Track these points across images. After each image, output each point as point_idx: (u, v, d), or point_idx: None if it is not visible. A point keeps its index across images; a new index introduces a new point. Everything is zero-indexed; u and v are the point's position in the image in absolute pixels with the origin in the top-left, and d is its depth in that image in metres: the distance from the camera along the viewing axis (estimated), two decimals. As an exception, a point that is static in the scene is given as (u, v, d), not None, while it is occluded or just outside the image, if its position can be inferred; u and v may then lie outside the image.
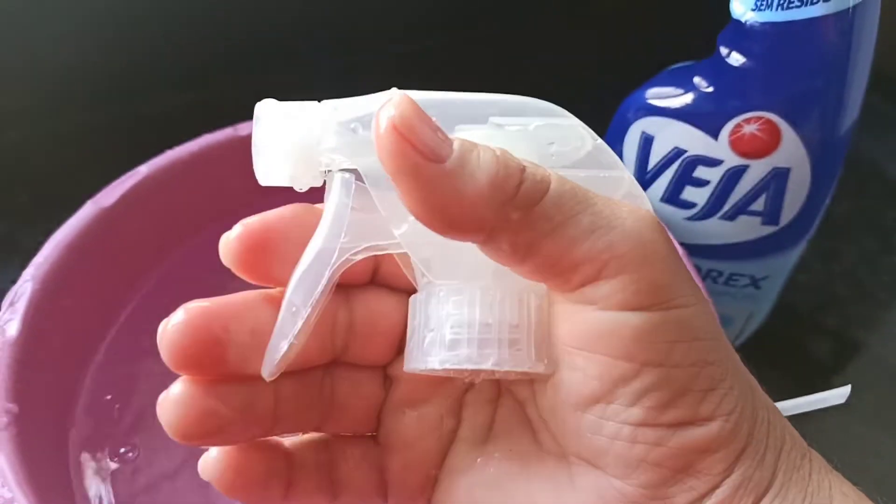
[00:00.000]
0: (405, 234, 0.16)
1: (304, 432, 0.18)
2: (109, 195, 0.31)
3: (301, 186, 0.17)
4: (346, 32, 0.59)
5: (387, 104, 0.14)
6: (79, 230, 0.30)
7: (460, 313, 0.16)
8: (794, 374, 0.41)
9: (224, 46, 0.54)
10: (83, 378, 0.30)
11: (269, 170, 0.17)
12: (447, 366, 0.16)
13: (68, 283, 0.29)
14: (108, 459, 0.29)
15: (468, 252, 0.15)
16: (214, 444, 0.17)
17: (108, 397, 0.30)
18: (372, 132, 0.14)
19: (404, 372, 0.17)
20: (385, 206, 0.16)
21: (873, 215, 0.52)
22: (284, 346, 0.16)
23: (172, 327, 0.15)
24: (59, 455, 0.27)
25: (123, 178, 0.32)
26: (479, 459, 0.17)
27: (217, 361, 0.15)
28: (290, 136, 0.16)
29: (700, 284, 0.31)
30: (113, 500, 0.27)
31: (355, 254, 0.16)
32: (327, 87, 0.54)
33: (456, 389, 0.18)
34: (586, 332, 0.15)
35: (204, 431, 0.16)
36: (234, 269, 0.17)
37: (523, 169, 0.14)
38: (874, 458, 0.38)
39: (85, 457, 0.28)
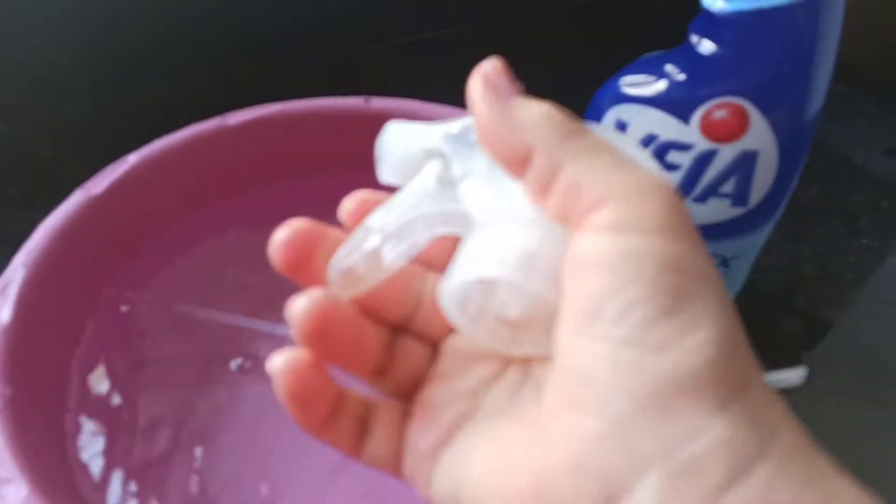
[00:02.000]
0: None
1: (357, 376, 0.20)
2: (99, 183, 0.32)
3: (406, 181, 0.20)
4: (340, 26, 0.59)
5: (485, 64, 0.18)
6: (69, 217, 0.30)
7: (512, 237, 0.18)
8: (763, 352, 0.42)
9: (215, 38, 0.54)
10: (73, 360, 0.31)
11: (392, 171, 0.20)
12: (492, 273, 0.17)
13: (59, 268, 0.30)
14: (104, 437, 0.29)
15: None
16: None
17: (99, 378, 0.31)
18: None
19: (451, 347, 0.20)
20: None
21: (840, 199, 0.53)
22: (347, 262, 0.18)
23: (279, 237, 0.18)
24: (54, 436, 0.28)
25: (113, 166, 0.32)
26: (486, 429, 0.18)
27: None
28: (410, 143, 0.20)
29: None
30: (110, 477, 0.28)
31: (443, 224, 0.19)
32: (321, 81, 0.55)
33: (489, 372, 0.19)
34: (586, 255, 0.15)
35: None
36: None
37: (571, 117, 0.17)
38: (845, 434, 0.39)
39: (80, 436, 0.29)
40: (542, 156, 0.16)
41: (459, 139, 0.19)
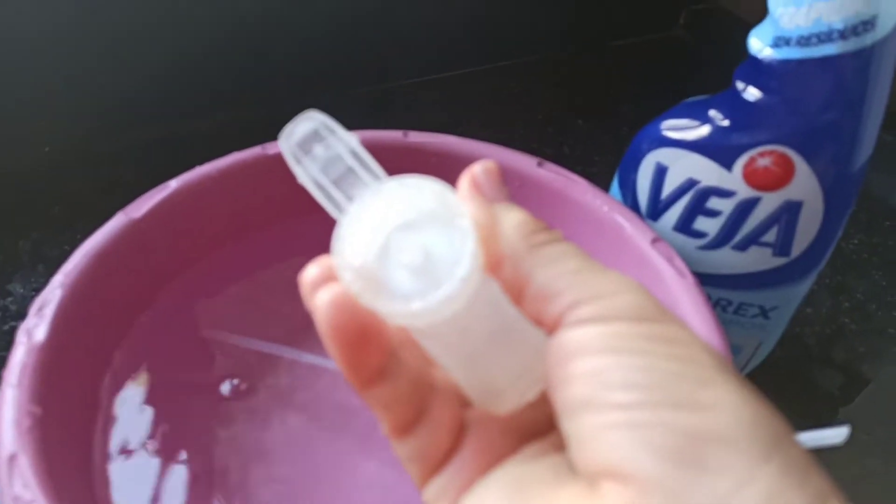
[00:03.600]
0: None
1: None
2: (139, 207, 0.32)
3: None
4: (378, 61, 0.60)
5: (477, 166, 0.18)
6: (108, 239, 0.31)
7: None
8: (801, 406, 0.42)
9: (258, 70, 0.55)
10: (104, 383, 0.31)
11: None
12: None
13: (96, 290, 0.30)
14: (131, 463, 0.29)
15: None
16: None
17: (130, 402, 0.31)
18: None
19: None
20: None
21: (884, 251, 0.52)
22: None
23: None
24: (81, 458, 0.28)
25: (154, 191, 0.33)
26: (521, 470, 0.17)
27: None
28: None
29: (710, 313, 0.31)
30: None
31: None
32: (357, 114, 0.55)
33: (536, 418, 0.18)
34: (571, 346, 0.15)
35: None
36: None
37: (545, 227, 0.17)
38: (886, 494, 0.38)
39: (108, 461, 0.29)
40: (509, 265, 0.17)
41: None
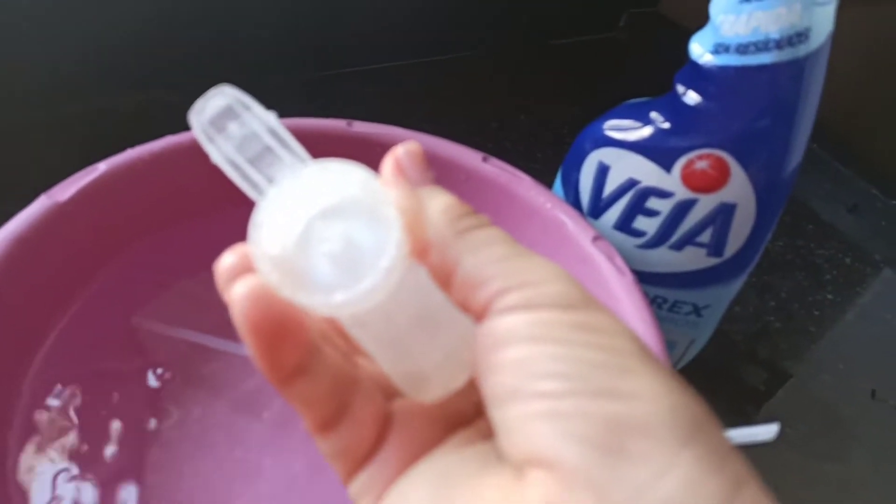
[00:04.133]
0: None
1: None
2: (65, 190, 0.30)
3: None
4: (320, 48, 0.59)
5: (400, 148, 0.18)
6: (31, 223, 0.29)
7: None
8: (728, 401, 0.43)
9: (194, 48, 0.53)
10: (24, 377, 0.29)
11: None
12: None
13: (17, 276, 0.28)
14: (49, 459, 0.28)
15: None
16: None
17: (54, 393, 0.30)
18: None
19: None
20: None
21: (806, 253, 0.55)
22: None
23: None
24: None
25: (81, 173, 0.31)
26: (448, 460, 0.17)
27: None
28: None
29: (648, 310, 0.32)
30: (51, 500, 0.27)
31: None
32: (297, 101, 0.54)
33: (464, 406, 0.18)
34: (497, 334, 0.15)
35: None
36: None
37: (472, 211, 0.17)
38: (806, 488, 0.39)
39: (24, 457, 0.27)
40: (436, 251, 0.16)
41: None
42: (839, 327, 0.49)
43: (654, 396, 0.14)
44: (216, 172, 0.17)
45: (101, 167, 0.32)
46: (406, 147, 0.18)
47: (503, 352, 0.15)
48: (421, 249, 0.17)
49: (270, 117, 0.16)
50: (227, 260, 0.16)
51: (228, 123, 0.16)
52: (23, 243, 0.28)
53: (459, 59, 0.66)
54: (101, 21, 0.48)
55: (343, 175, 0.16)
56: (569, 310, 0.15)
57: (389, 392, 0.18)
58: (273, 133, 0.16)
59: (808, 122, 0.32)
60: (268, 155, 0.16)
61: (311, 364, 0.16)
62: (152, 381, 0.32)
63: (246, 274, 0.16)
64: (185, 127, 0.34)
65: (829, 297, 0.51)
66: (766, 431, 0.22)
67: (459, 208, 0.17)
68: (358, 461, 0.17)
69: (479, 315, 0.16)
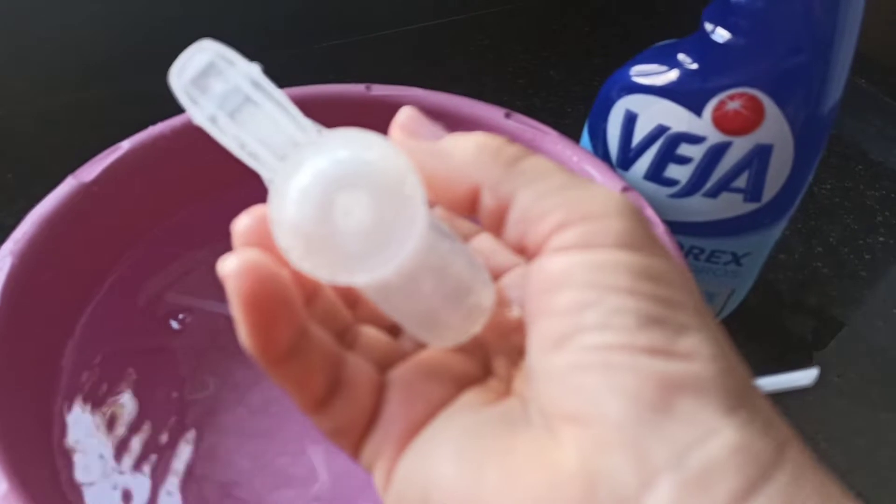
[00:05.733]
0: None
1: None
2: (90, 170, 0.31)
3: None
4: (341, 14, 0.58)
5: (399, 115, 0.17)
6: (59, 205, 0.30)
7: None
8: (776, 351, 0.42)
9: (213, 27, 0.53)
10: (62, 353, 0.30)
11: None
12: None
13: (48, 257, 0.29)
14: (93, 433, 0.29)
15: None
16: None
17: (89, 372, 0.30)
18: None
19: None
20: None
21: (855, 195, 0.52)
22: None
23: None
24: (40, 430, 0.27)
25: (105, 153, 0.32)
26: (468, 420, 0.16)
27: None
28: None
29: (680, 262, 0.31)
30: (96, 473, 0.27)
31: None
32: (321, 70, 0.53)
33: (471, 367, 0.18)
34: (552, 276, 0.14)
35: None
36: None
37: (509, 141, 0.16)
38: (857, 435, 0.38)
39: (68, 432, 0.28)
40: (489, 191, 0.16)
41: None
42: (893, 270, 0.47)
43: (709, 357, 0.14)
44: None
45: (125, 145, 0.32)
46: (404, 112, 0.17)
47: (557, 295, 0.14)
48: (471, 197, 0.16)
49: (254, 69, 0.16)
50: (243, 222, 0.16)
51: (212, 82, 0.15)
52: (52, 225, 0.29)
53: (482, 17, 0.65)
54: (124, 3, 0.49)
55: (361, 142, 0.15)
56: (630, 251, 0.14)
57: (388, 360, 0.18)
58: (258, 87, 0.15)
59: (846, 55, 0.30)
60: (253, 110, 0.15)
61: (301, 343, 0.15)
62: (188, 354, 0.33)
63: (245, 247, 0.15)
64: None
65: (882, 239, 0.49)
66: (805, 377, 0.21)
67: (494, 141, 0.16)
68: (361, 431, 0.17)
69: (534, 251, 0.15)
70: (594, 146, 0.36)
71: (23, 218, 0.29)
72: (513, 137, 0.37)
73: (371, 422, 0.17)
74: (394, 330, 0.18)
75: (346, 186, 0.15)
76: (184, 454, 0.30)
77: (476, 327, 0.17)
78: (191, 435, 0.31)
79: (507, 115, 0.37)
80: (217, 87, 0.15)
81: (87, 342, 0.31)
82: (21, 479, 0.23)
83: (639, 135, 0.34)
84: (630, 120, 0.34)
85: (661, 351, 0.13)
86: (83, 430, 0.29)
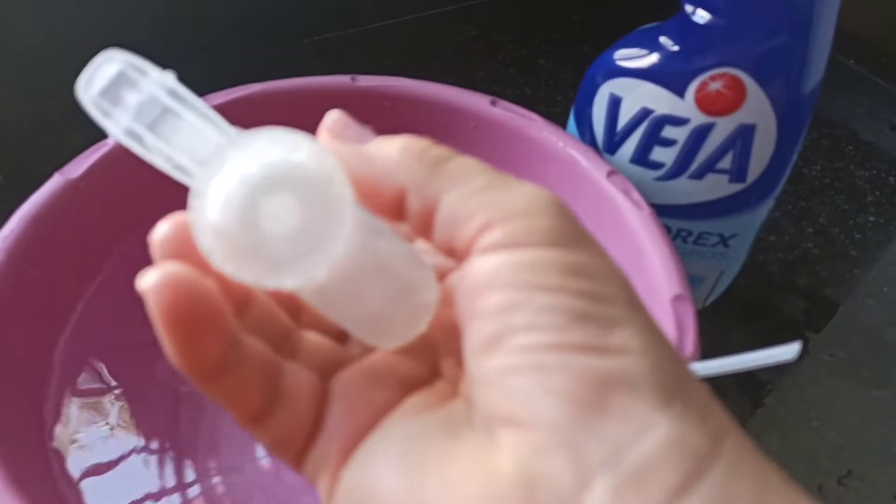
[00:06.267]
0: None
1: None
2: (77, 167, 0.31)
3: None
4: (329, 8, 0.58)
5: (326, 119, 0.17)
6: (46, 201, 0.30)
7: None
8: (767, 332, 0.42)
9: (203, 22, 0.53)
10: (54, 349, 0.30)
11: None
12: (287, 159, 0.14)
13: (37, 254, 0.29)
14: (85, 426, 0.29)
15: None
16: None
17: (80, 367, 0.30)
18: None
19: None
20: None
21: (845, 175, 0.52)
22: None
23: None
24: (33, 425, 0.28)
25: (91, 149, 0.32)
26: (411, 426, 0.15)
27: None
28: None
29: (667, 244, 0.31)
30: (88, 467, 0.28)
31: None
32: (310, 63, 0.53)
33: (417, 370, 0.17)
34: (480, 278, 0.14)
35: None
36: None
37: (434, 143, 0.16)
38: (849, 413, 0.38)
39: (60, 426, 0.28)
40: (414, 194, 0.15)
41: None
42: (883, 250, 0.47)
43: (640, 351, 0.13)
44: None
45: (111, 141, 0.32)
46: (331, 115, 0.17)
47: (485, 297, 0.14)
48: (397, 200, 0.16)
49: (169, 78, 0.15)
50: (161, 230, 0.15)
51: (124, 93, 0.15)
52: (38, 222, 0.29)
53: (471, 8, 0.65)
54: (113, 4, 0.49)
55: (286, 143, 0.15)
56: (557, 248, 0.14)
57: (332, 366, 0.17)
58: (175, 96, 0.15)
59: (827, 33, 0.31)
60: (174, 121, 0.15)
61: (233, 356, 0.15)
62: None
63: (165, 260, 0.14)
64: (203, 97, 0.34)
65: (872, 219, 0.49)
66: (788, 351, 0.21)
67: (418, 143, 0.16)
68: (303, 442, 0.16)
69: (463, 254, 0.15)
70: (580, 131, 0.36)
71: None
72: (498, 124, 0.37)
73: (313, 432, 0.16)
74: (341, 336, 0.18)
75: (272, 189, 0.14)
76: (178, 446, 0.30)
77: (421, 326, 0.17)
78: (185, 426, 0.31)
79: (493, 103, 0.37)
80: (131, 98, 0.15)
81: (79, 338, 0.31)
82: (14, 474, 0.23)
83: (623, 118, 0.34)
84: (615, 104, 0.34)
85: (591, 347, 0.13)
86: (75, 424, 0.29)
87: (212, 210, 0.14)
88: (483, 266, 0.14)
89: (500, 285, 0.14)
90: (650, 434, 0.13)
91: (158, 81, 0.15)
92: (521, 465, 0.13)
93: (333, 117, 0.16)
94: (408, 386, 0.17)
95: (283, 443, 0.16)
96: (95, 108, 0.15)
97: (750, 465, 0.13)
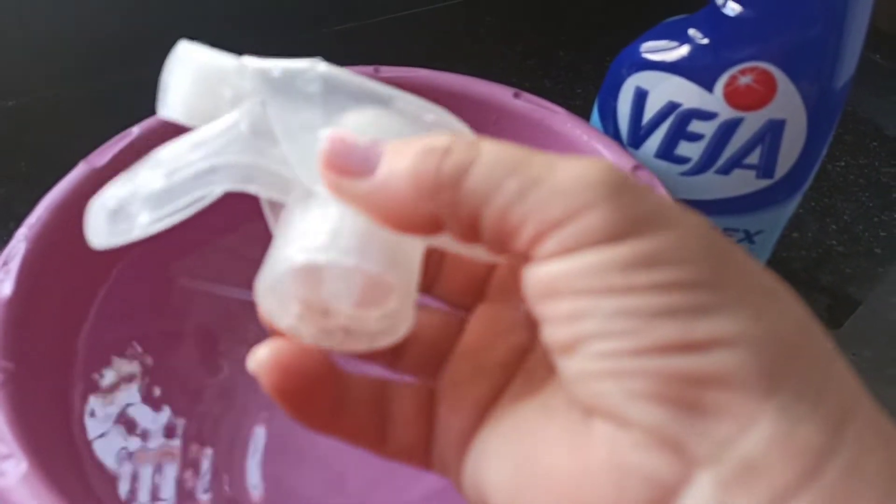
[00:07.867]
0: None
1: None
2: (102, 156, 0.31)
3: (196, 122, 0.16)
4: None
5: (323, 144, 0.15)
6: (71, 190, 0.30)
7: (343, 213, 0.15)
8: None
9: (220, 11, 0.53)
10: (77, 337, 0.30)
11: (179, 106, 0.17)
12: (321, 257, 0.15)
13: (61, 242, 0.29)
14: (111, 414, 0.29)
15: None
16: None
17: (104, 354, 0.31)
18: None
19: (475, 320, 0.18)
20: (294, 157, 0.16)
21: (870, 172, 0.51)
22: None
23: None
24: (58, 412, 0.28)
25: (116, 138, 0.32)
26: (514, 415, 0.16)
27: None
28: (199, 62, 0.16)
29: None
30: (114, 454, 0.28)
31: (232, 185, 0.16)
32: (330, 52, 0.53)
33: (520, 341, 0.17)
34: (542, 287, 0.14)
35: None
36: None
37: (446, 150, 0.14)
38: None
39: (86, 413, 0.29)
40: (448, 218, 0.14)
41: (282, 85, 0.16)
42: (909, 248, 0.47)
43: (732, 338, 0.12)
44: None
45: (135, 131, 0.32)
46: (327, 144, 0.15)
47: (552, 304, 0.14)
48: (429, 225, 0.15)
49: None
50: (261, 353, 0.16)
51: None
52: (64, 210, 0.29)
53: (493, -2, 0.64)
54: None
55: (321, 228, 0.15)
56: (614, 243, 0.13)
57: (425, 370, 0.18)
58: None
59: (859, 29, 0.30)
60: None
61: (344, 400, 0.16)
62: (199, 339, 0.33)
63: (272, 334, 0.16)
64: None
65: (897, 216, 0.48)
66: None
67: (428, 157, 0.14)
68: (423, 447, 0.17)
69: (524, 258, 0.14)
70: (604, 125, 0.36)
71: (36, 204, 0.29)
72: (520, 117, 0.37)
73: (428, 435, 0.17)
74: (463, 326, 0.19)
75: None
76: (201, 435, 0.30)
77: (400, 331, 0.17)
78: (207, 418, 0.31)
79: (516, 95, 0.36)
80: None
81: (102, 325, 0.31)
82: (40, 460, 0.23)
83: (649, 112, 0.33)
84: (640, 97, 0.33)
85: (673, 347, 0.12)
86: (101, 410, 0.29)
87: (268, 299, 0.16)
88: (544, 275, 0.14)
89: (564, 294, 0.13)
90: (755, 429, 0.12)
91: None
92: (615, 455, 0.13)
93: (330, 147, 0.15)
94: (509, 365, 0.17)
95: (404, 454, 0.17)
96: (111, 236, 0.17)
97: (876, 459, 0.12)
